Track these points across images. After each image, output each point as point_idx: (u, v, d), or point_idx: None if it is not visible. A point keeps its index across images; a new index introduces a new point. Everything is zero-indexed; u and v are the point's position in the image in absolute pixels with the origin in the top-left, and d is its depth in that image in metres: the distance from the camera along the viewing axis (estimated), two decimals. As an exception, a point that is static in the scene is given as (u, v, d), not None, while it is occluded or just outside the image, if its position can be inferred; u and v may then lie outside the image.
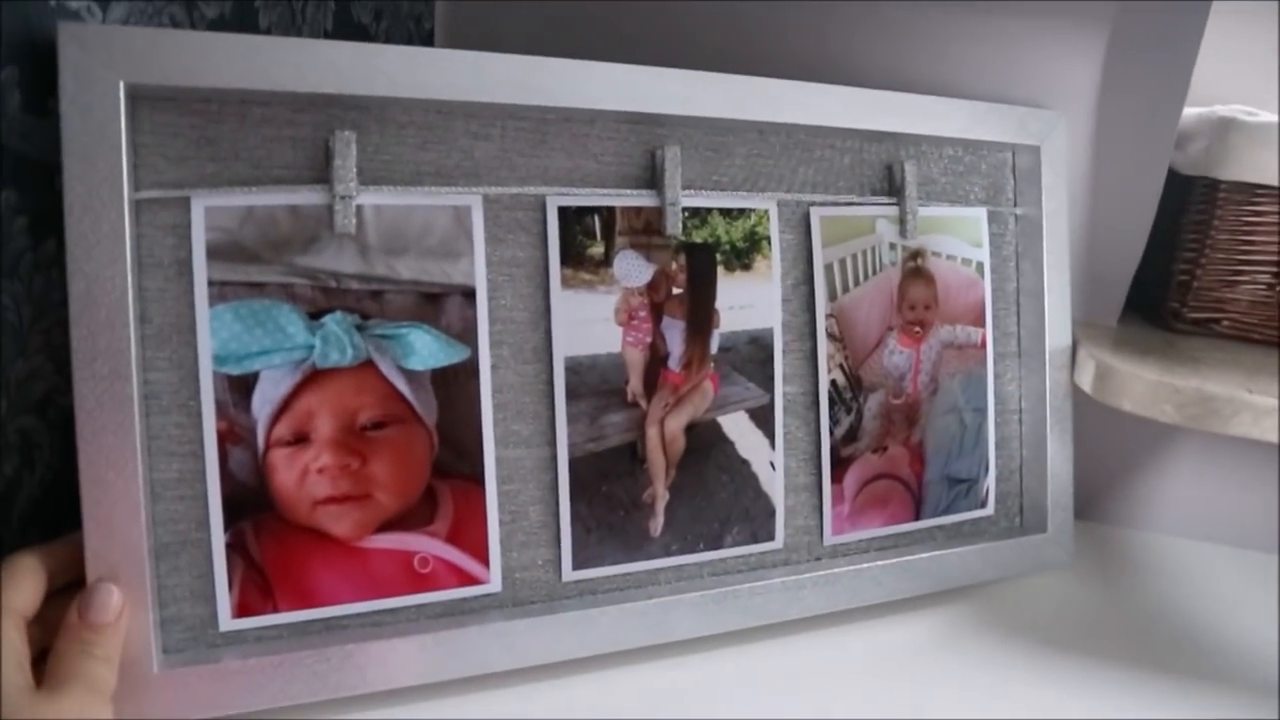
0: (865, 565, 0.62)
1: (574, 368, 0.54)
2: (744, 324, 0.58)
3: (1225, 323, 0.72)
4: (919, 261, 0.64)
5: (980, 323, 0.67)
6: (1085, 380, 0.65)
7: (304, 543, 0.49)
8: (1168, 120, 0.69)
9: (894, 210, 0.63)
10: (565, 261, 0.54)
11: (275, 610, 0.48)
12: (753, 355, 0.59)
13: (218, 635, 0.48)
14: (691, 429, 0.57)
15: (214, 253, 0.47)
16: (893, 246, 0.63)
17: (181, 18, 0.51)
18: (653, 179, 0.56)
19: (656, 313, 0.56)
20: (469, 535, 0.52)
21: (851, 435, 0.62)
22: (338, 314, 0.49)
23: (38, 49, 0.42)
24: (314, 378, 0.48)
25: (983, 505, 0.68)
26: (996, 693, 0.57)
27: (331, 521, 0.49)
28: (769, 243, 0.59)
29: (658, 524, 0.57)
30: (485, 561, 0.52)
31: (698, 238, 0.57)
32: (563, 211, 0.54)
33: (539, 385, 0.54)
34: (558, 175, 0.54)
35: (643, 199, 0.56)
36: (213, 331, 0.47)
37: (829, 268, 0.61)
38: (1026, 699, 0.57)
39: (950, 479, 0.66)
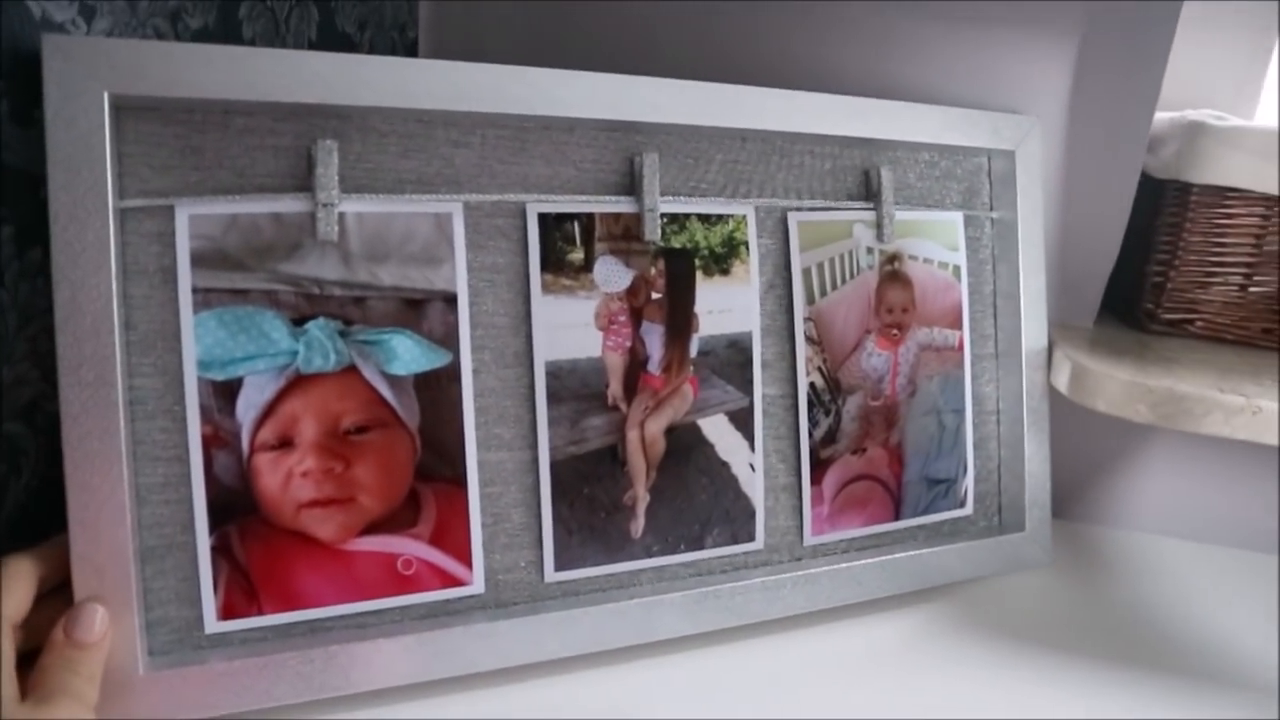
0: (845, 565, 0.62)
1: (555, 372, 0.55)
2: (723, 328, 0.59)
3: (1199, 323, 0.73)
4: (896, 265, 0.65)
5: (957, 325, 0.68)
6: (1061, 381, 0.66)
7: (288, 546, 0.49)
8: (1140, 125, 0.71)
9: (871, 215, 0.64)
10: (545, 267, 0.54)
11: (260, 612, 0.49)
12: (732, 359, 0.60)
13: (203, 637, 0.48)
14: (671, 432, 0.58)
15: (198, 260, 0.47)
16: (870, 250, 0.64)
17: (165, 29, 0.52)
18: (632, 185, 0.57)
19: (636, 317, 0.57)
20: (452, 537, 0.53)
21: (830, 437, 0.63)
22: (321, 320, 0.49)
23: (23, 61, 0.43)
24: (298, 383, 0.49)
25: (961, 505, 0.69)
26: (976, 689, 0.58)
27: (316, 524, 0.50)
28: (747, 248, 0.60)
29: (639, 526, 0.57)
30: (468, 563, 0.53)
31: (676, 243, 0.58)
32: (543, 218, 0.54)
33: (520, 389, 0.55)
34: (537, 182, 0.55)
35: (622, 205, 0.57)
36: (197, 338, 0.47)
37: (807, 272, 0.62)
38: (1006, 695, 0.57)
39: (929, 479, 0.67)
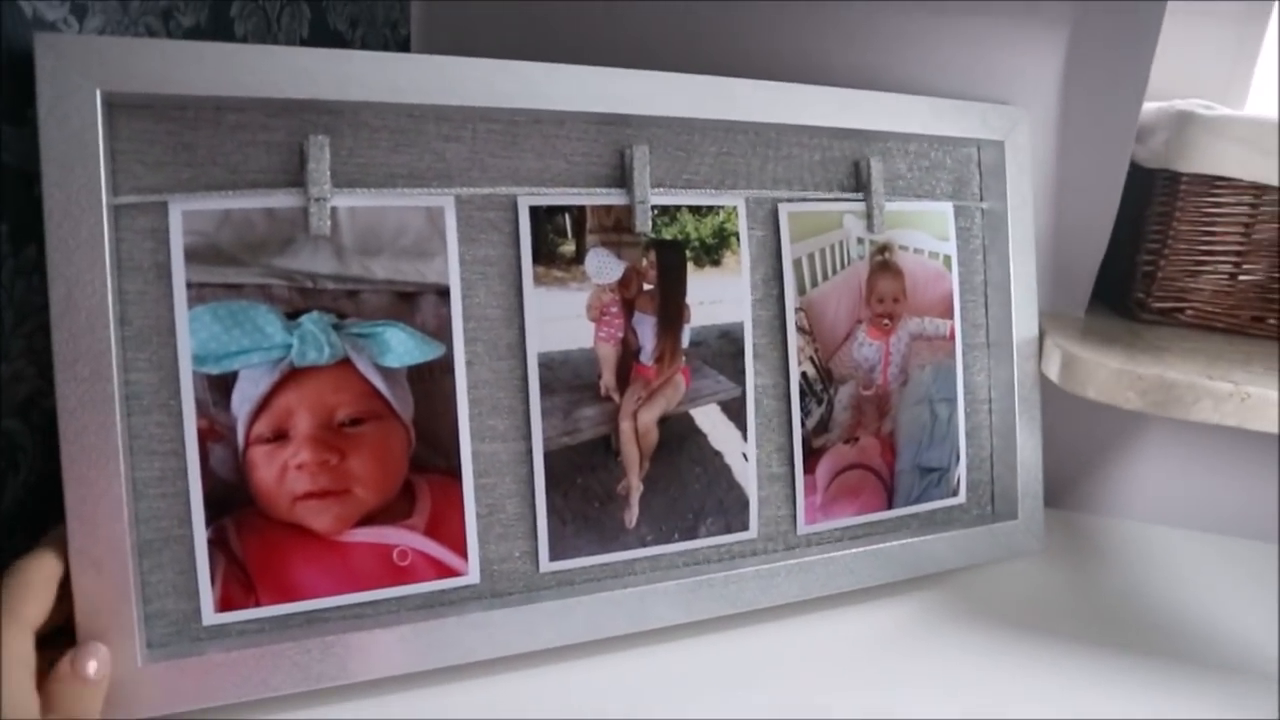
0: (838, 554, 0.63)
1: (547, 363, 0.55)
2: (714, 319, 0.60)
3: (1189, 312, 0.74)
4: (887, 255, 0.66)
5: (948, 315, 0.68)
6: (1052, 370, 0.66)
7: (285, 537, 0.50)
8: (1128, 114, 0.71)
9: (861, 206, 0.64)
10: (537, 260, 0.55)
11: (257, 604, 0.49)
12: (723, 349, 0.60)
13: (201, 629, 0.49)
14: (664, 422, 0.58)
15: (192, 256, 0.48)
16: (860, 241, 0.65)
17: (157, 27, 0.52)
18: (622, 178, 0.57)
19: (628, 309, 0.57)
20: (447, 528, 0.53)
21: (823, 426, 0.64)
22: (314, 314, 0.50)
23: (15, 59, 0.43)
24: (292, 376, 0.50)
25: (954, 494, 0.69)
26: (970, 677, 0.58)
27: (311, 516, 0.50)
28: (738, 239, 0.60)
29: (633, 515, 0.58)
30: (463, 554, 0.54)
31: (667, 235, 0.58)
32: (534, 211, 0.55)
33: (513, 381, 0.55)
34: (528, 175, 0.55)
35: (613, 198, 0.57)
36: (192, 332, 0.48)
37: (797, 262, 0.62)
38: (999, 683, 0.58)
39: (921, 468, 0.68)
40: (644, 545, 0.58)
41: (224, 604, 0.49)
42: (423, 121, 0.53)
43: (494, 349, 0.54)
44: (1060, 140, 0.73)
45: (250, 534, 0.49)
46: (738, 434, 0.61)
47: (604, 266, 0.57)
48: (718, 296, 0.60)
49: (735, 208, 0.60)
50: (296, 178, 0.50)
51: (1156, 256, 0.73)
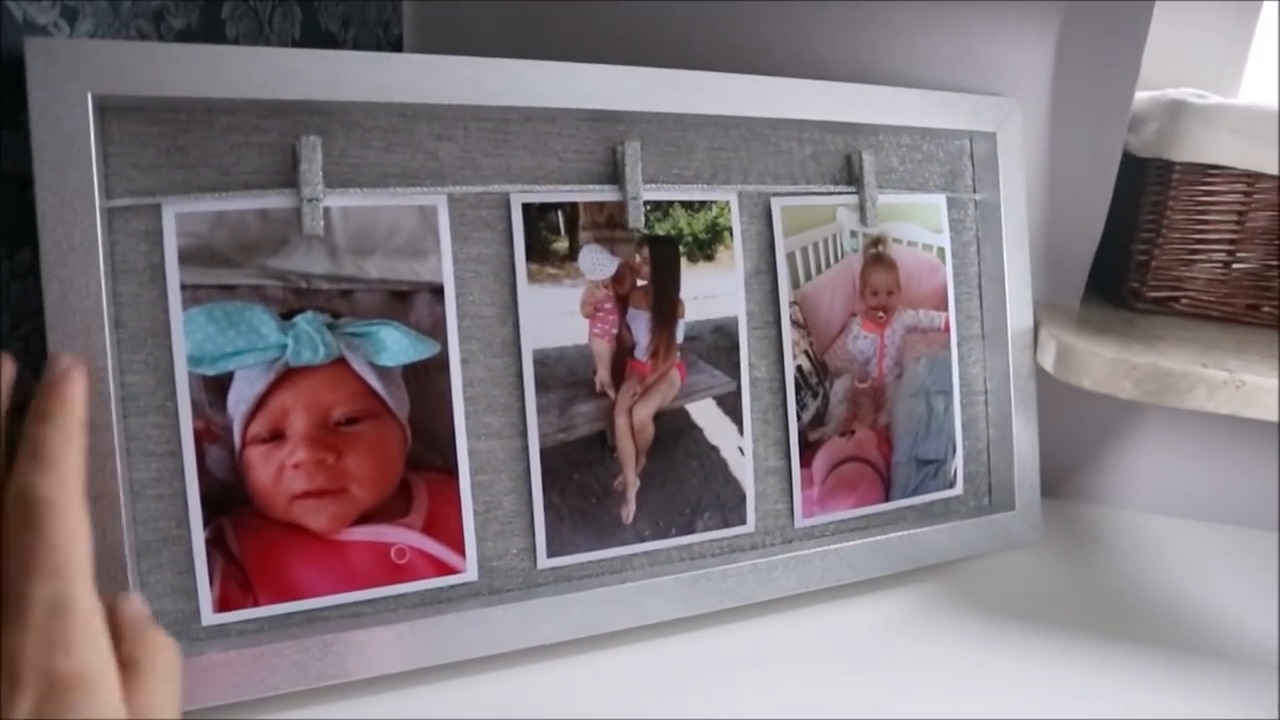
0: (836, 546, 0.63)
1: (542, 360, 0.55)
2: (708, 313, 0.60)
3: (1183, 300, 0.74)
4: (880, 248, 0.66)
5: (943, 307, 0.68)
6: (1047, 360, 0.67)
7: (282, 537, 0.50)
8: (1120, 104, 0.71)
9: (854, 199, 0.65)
10: (531, 257, 0.55)
11: (256, 604, 0.50)
12: (718, 343, 0.60)
13: (200, 630, 0.49)
14: (660, 417, 0.59)
15: (186, 257, 0.48)
16: (854, 234, 0.65)
17: (149, 30, 0.52)
18: (614, 174, 0.58)
19: (622, 304, 0.57)
20: (444, 526, 0.53)
21: (819, 419, 0.64)
22: (309, 314, 0.50)
23: (6, 63, 0.44)
24: (287, 376, 0.50)
25: (951, 485, 0.69)
26: (968, 668, 0.58)
27: (309, 515, 0.50)
28: (731, 233, 0.60)
29: (630, 511, 0.58)
30: (461, 551, 0.54)
31: (660, 230, 0.58)
32: (527, 208, 0.55)
33: (508, 378, 0.55)
34: (521, 173, 0.55)
35: (605, 194, 0.57)
36: (187, 334, 0.48)
37: (791, 256, 0.62)
38: (997, 673, 0.58)
39: (918, 460, 0.68)
40: (641, 540, 0.58)
41: (222, 604, 0.49)
42: (414, 121, 0.53)
43: (489, 347, 0.55)
44: (1053, 131, 0.73)
45: (248, 534, 0.49)
46: (734, 428, 0.61)
47: (597, 263, 0.57)
48: (711, 291, 0.60)
49: (728, 202, 0.60)
50: (289, 178, 0.50)
51: (1150, 246, 0.73)
